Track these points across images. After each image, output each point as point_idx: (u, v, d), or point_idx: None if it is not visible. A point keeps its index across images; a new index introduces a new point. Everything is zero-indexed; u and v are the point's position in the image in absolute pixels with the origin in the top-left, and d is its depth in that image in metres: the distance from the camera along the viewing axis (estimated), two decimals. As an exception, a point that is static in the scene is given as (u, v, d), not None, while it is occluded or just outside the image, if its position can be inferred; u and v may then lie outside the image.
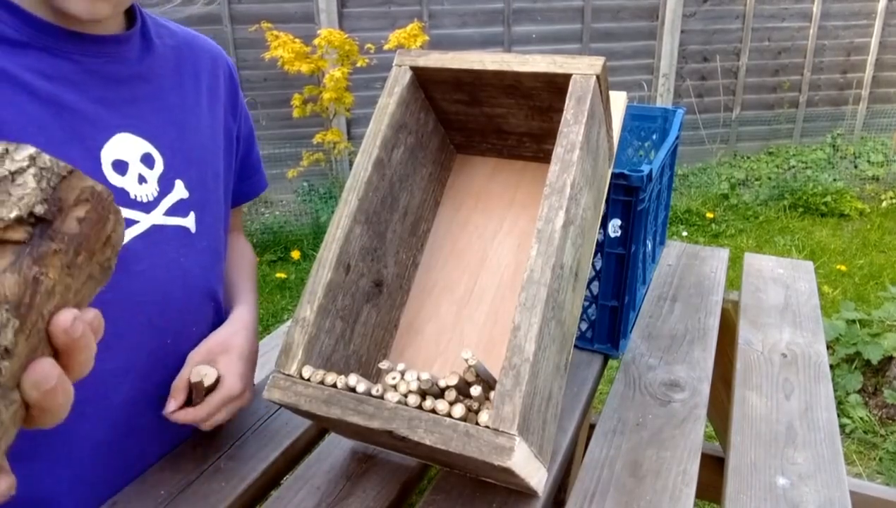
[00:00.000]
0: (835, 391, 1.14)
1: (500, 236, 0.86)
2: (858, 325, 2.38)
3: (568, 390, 0.90)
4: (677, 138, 1.18)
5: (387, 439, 0.63)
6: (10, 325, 0.28)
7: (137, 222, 0.72)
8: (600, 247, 0.95)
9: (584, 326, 1.02)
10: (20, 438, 0.70)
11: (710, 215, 3.97)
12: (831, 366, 1.94)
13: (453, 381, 0.60)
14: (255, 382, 0.81)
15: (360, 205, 0.72)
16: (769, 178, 4.40)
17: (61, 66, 0.67)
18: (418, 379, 0.60)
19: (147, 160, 0.74)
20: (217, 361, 0.74)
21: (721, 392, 1.23)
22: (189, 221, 0.78)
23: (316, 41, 3.45)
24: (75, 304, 0.33)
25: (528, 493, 0.70)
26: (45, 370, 0.30)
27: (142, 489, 0.73)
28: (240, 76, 0.92)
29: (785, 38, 4.60)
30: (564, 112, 0.69)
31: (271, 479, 0.78)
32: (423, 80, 0.80)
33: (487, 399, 0.60)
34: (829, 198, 4.02)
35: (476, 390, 0.60)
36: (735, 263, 1.41)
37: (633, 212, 0.92)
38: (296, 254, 3.53)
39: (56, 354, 0.32)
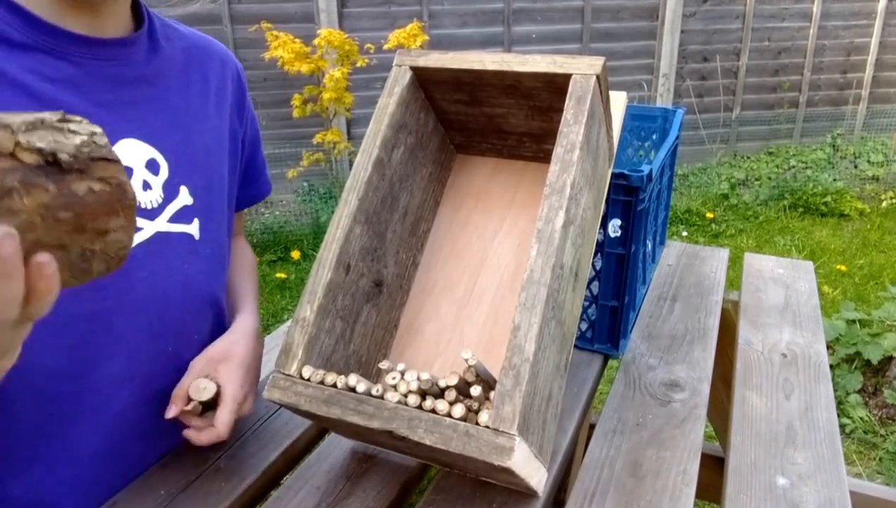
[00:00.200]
0: (835, 391, 1.14)
1: (500, 236, 0.86)
2: (858, 325, 2.38)
3: (568, 390, 0.90)
4: (677, 138, 1.18)
5: (387, 439, 0.63)
6: None
7: (141, 229, 0.71)
8: (600, 247, 0.95)
9: (584, 326, 1.02)
10: (21, 442, 0.70)
11: (710, 215, 3.97)
12: (831, 366, 1.94)
13: (453, 381, 0.60)
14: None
15: (360, 205, 0.72)
16: (769, 178, 4.40)
17: (65, 68, 0.66)
18: (418, 379, 0.60)
19: (152, 166, 0.73)
20: (218, 370, 0.74)
21: (721, 392, 1.23)
22: (193, 228, 0.77)
23: (316, 41, 3.45)
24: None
25: (528, 493, 0.70)
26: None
27: (142, 489, 0.73)
28: (243, 77, 0.92)
29: (785, 38, 4.60)
30: (564, 112, 0.69)
31: (271, 479, 0.78)
32: (423, 80, 0.80)
33: (487, 399, 0.60)
34: (829, 198, 4.02)
35: (476, 390, 0.60)
36: (735, 263, 1.41)
37: (633, 212, 0.92)
38: (296, 254, 3.53)
39: None
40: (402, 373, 0.62)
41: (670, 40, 4.40)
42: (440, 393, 0.60)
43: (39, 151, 0.31)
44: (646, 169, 0.91)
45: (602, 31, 4.36)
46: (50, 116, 0.32)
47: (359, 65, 3.55)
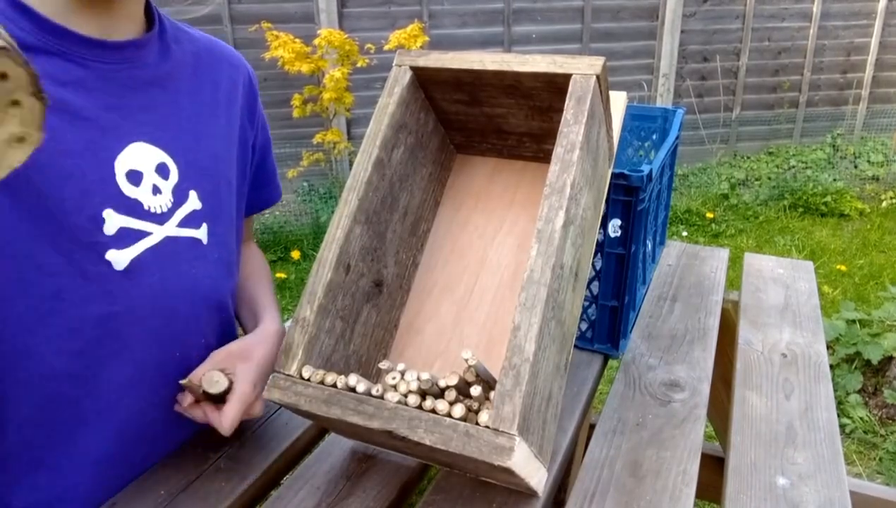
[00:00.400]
0: (835, 391, 1.14)
1: (500, 236, 0.86)
2: (858, 325, 2.38)
3: (568, 390, 0.90)
4: (677, 138, 1.18)
5: (387, 439, 0.63)
6: None
7: (150, 234, 0.70)
8: (600, 247, 0.95)
9: (584, 326, 1.02)
10: (26, 447, 0.70)
11: (710, 215, 3.97)
12: (831, 366, 1.94)
13: (453, 381, 0.60)
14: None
15: (360, 205, 0.72)
16: (769, 178, 4.40)
17: (73, 70, 0.65)
18: (418, 379, 0.60)
19: (162, 170, 0.72)
20: (236, 366, 0.73)
21: (721, 392, 1.23)
22: (201, 233, 0.76)
23: (316, 41, 3.45)
24: None
25: (528, 493, 0.70)
26: None
27: (142, 489, 0.73)
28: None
29: (785, 38, 4.60)
30: (564, 112, 0.69)
31: (271, 479, 0.78)
32: (423, 80, 0.80)
33: (487, 399, 0.60)
34: (829, 198, 4.02)
35: (476, 390, 0.60)
36: (735, 263, 1.41)
37: (633, 212, 0.92)
38: (296, 254, 3.53)
39: None
40: (402, 373, 0.62)
41: (670, 40, 4.40)
42: (440, 393, 0.60)
43: None
44: (646, 169, 0.91)
45: (602, 31, 4.36)
46: None
47: (359, 65, 3.55)
